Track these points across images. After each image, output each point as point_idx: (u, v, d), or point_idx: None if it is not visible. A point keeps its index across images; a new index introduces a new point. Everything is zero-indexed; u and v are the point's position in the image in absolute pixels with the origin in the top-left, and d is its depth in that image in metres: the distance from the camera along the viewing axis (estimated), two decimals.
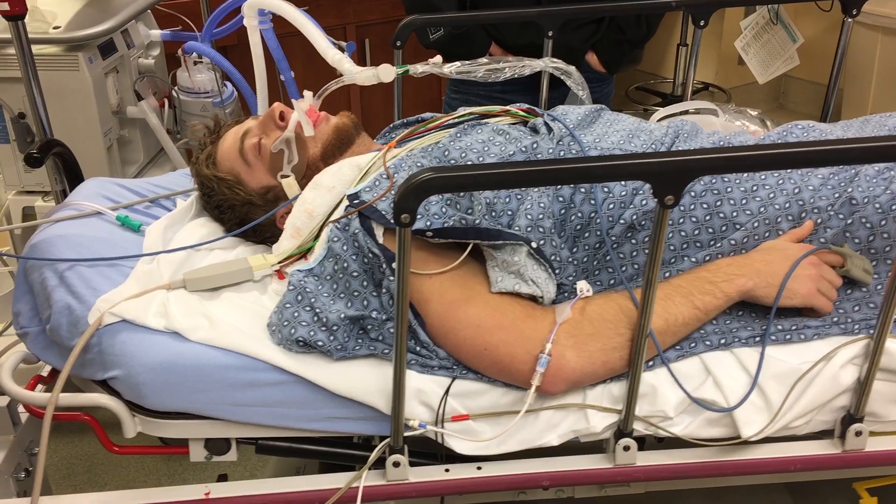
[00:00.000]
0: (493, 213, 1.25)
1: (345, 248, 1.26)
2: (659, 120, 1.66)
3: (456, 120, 1.49)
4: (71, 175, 1.84)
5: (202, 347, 1.22)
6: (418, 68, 1.50)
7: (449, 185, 1.05)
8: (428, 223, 1.21)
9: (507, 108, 1.48)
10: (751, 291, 1.22)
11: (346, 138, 1.48)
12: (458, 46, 2.16)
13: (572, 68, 1.53)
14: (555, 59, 1.52)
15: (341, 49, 1.73)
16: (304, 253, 1.37)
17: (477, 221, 1.22)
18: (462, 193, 1.27)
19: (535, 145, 1.33)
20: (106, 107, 2.28)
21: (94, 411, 1.28)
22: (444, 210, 1.23)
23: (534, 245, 1.22)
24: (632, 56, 2.36)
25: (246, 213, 1.48)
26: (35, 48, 2.13)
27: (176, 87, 2.54)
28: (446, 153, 1.34)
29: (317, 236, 1.36)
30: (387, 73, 1.44)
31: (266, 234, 1.49)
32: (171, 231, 1.47)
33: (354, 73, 1.51)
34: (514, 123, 1.46)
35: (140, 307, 1.26)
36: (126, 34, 2.43)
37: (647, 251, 1.24)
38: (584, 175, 1.07)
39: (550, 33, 1.84)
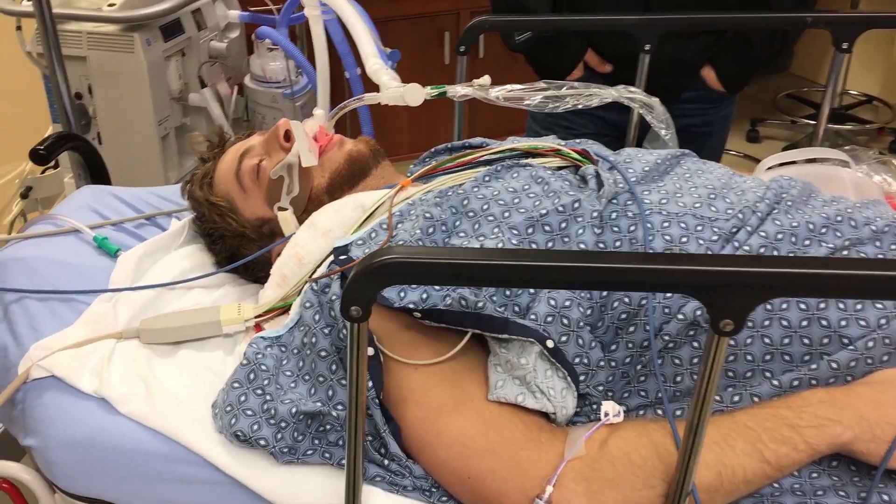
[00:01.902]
0: (507, 292, 0.95)
1: (317, 317, 1.00)
2: (769, 169, 1.29)
3: (493, 155, 1.19)
4: (94, 170, 1.67)
5: (130, 425, 0.99)
6: (457, 90, 1.21)
7: (417, 275, 0.77)
8: (423, 296, 0.93)
9: (558, 146, 1.16)
10: (848, 445, 0.87)
11: (359, 168, 1.21)
12: (547, 51, 1.84)
13: (654, 101, 1.20)
14: (632, 88, 1.20)
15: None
16: (287, 308, 1.12)
17: (481, 304, 0.93)
18: None
19: (576, 205, 1.01)
20: (163, 93, 2.11)
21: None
22: None
23: (550, 344, 0.92)
24: (760, 71, 1.97)
25: (237, 246, 1.25)
26: (90, 26, 1.98)
27: (249, 74, 2.35)
28: (465, 203, 1.05)
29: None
30: (414, 94, 1.16)
31: (259, 273, 1.25)
32: (150, 260, 1.25)
33: (385, 87, 1.23)
34: (562, 167, 1.14)
35: (76, 361, 1.05)
36: (199, 14, 2.24)
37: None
38: (602, 281, 0.76)
39: (648, 46, 1.50)
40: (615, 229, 1.00)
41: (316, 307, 1.00)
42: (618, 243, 0.99)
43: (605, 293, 0.97)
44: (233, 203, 1.23)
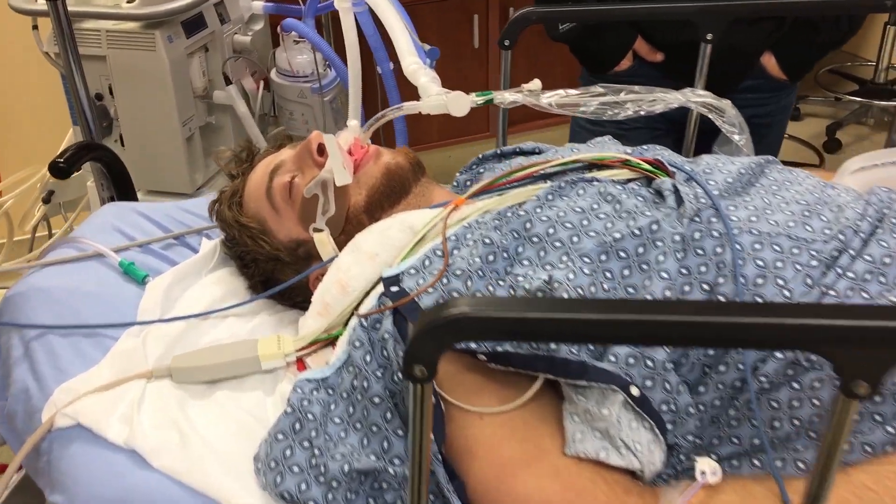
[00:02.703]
0: None
1: (367, 358, 0.90)
2: (854, 172, 1.17)
3: (556, 167, 1.08)
4: (118, 181, 1.58)
5: (164, 481, 0.90)
6: (506, 97, 1.09)
7: (494, 332, 0.66)
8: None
9: (627, 156, 1.05)
10: None
11: (399, 185, 1.10)
12: (594, 40, 1.72)
13: (726, 104, 1.08)
14: (700, 91, 1.08)
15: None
16: (333, 339, 1.02)
17: (554, 345, 0.83)
18: (540, 296, 0.88)
19: (654, 228, 0.90)
20: (187, 92, 2.01)
21: None
22: None
23: (635, 392, 0.81)
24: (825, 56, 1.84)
25: (272, 270, 1.15)
26: (110, 24, 1.89)
27: (275, 68, 2.24)
28: (528, 226, 0.95)
29: (350, 321, 1.01)
30: (459, 103, 1.05)
31: (297, 298, 1.15)
32: (180, 288, 1.15)
33: (425, 92, 1.12)
34: (631, 180, 1.03)
35: (104, 407, 0.96)
36: (221, 6, 2.14)
37: (818, 420, 0.81)
38: (712, 337, 0.65)
39: (710, 36, 1.38)
40: (699, 252, 0.89)
41: (366, 347, 0.90)
42: (702, 268, 0.88)
43: None
44: (264, 224, 1.13)
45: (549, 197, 0.99)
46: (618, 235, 0.90)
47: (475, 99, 1.07)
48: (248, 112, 2.11)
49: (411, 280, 0.93)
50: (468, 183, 1.28)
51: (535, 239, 0.94)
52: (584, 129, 1.83)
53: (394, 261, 1.01)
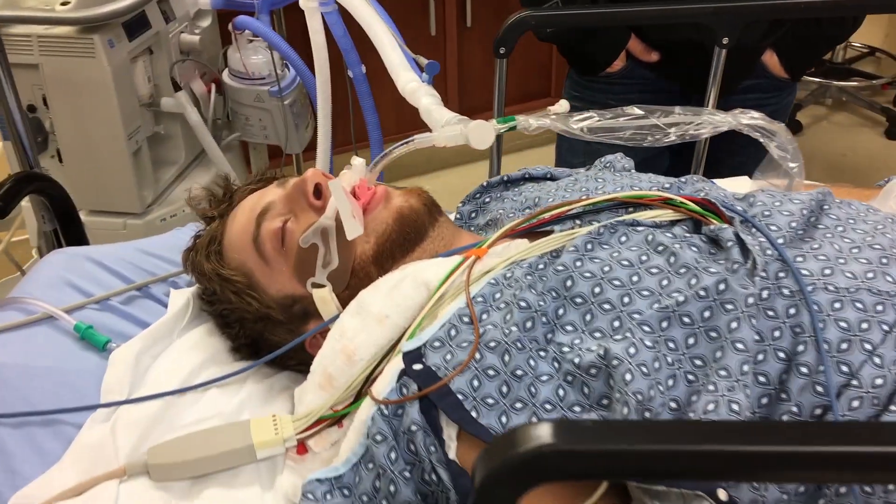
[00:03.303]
0: (650, 411, 0.72)
1: (392, 455, 0.75)
2: None
3: (585, 206, 0.94)
4: (61, 212, 1.39)
5: None
6: (531, 123, 0.95)
7: (588, 470, 0.52)
8: None
9: (670, 195, 0.92)
10: None
11: (414, 231, 0.95)
12: (586, 40, 1.58)
13: (779, 127, 0.95)
14: (753, 114, 0.95)
15: (420, 69, 1.20)
16: (339, 418, 0.87)
17: None
18: (594, 373, 0.75)
19: (721, 288, 0.77)
20: (132, 101, 1.81)
21: None
22: (562, 396, 0.73)
23: (723, 496, 0.68)
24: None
25: (261, 331, 0.99)
26: (42, 29, 1.68)
27: (227, 70, 2.05)
28: (569, 285, 0.81)
29: (359, 395, 0.86)
30: (482, 135, 0.90)
31: (290, 361, 1.00)
32: (150, 356, 0.99)
33: (434, 124, 0.97)
34: (677, 221, 0.90)
35: None
36: (165, 3, 1.94)
37: None
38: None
39: (726, 40, 1.25)
40: (770, 314, 0.77)
41: (389, 441, 0.76)
42: (776, 333, 0.76)
43: (766, 399, 0.74)
44: (251, 277, 0.97)
45: (589, 247, 0.86)
46: (681, 298, 0.77)
47: (497, 126, 0.92)
48: (200, 120, 1.92)
49: (437, 355, 0.78)
50: (473, 215, 1.14)
51: (578, 300, 0.81)
52: (573, 148, 1.69)
53: (407, 323, 0.87)
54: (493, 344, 0.78)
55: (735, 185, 0.96)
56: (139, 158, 1.86)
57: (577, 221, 0.93)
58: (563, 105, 0.95)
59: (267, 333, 0.99)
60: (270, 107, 2.00)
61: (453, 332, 0.80)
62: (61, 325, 1.01)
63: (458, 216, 1.14)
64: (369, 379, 0.86)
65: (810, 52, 1.60)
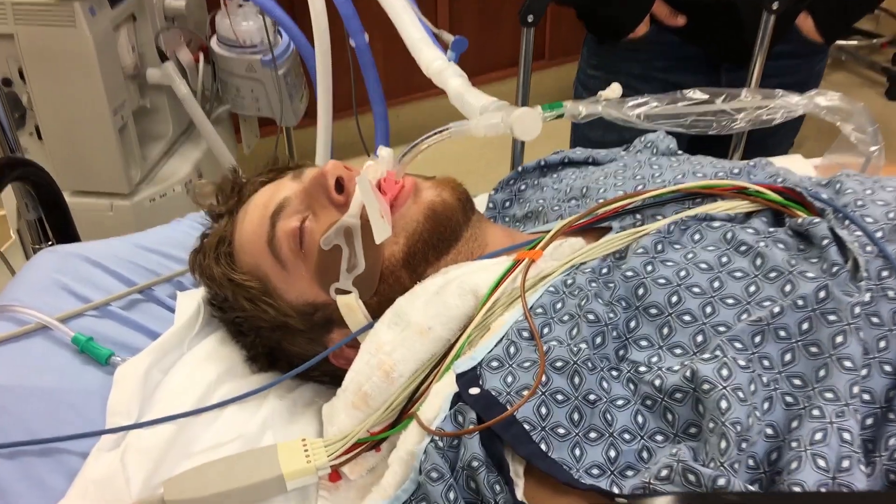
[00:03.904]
0: (747, 441, 0.63)
1: (451, 495, 0.66)
2: None
3: (646, 199, 0.84)
4: (46, 199, 1.28)
5: None
6: (580, 109, 0.85)
7: None
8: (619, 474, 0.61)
9: (744, 183, 0.82)
10: None
11: (448, 229, 0.85)
12: (607, 6, 1.47)
13: (858, 107, 0.85)
14: (829, 93, 0.85)
15: (445, 47, 1.09)
16: (377, 442, 0.78)
17: (723, 479, 0.60)
18: (679, 398, 0.66)
19: (822, 295, 0.68)
20: (116, 73, 1.68)
21: None
22: (641, 423, 0.65)
23: None
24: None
25: (278, 340, 0.89)
26: None
27: (215, 37, 1.92)
28: (641, 293, 0.72)
29: (401, 416, 0.77)
30: (528, 124, 0.79)
31: (314, 372, 0.90)
32: (159, 371, 0.89)
33: (469, 110, 0.87)
34: (754, 213, 0.81)
35: None
36: None
37: None
38: None
39: (776, 5, 1.15)
40: (874, 320, 0.68)
41: (447, 479, 0.67)
42: (882, 343, 0.67)
43: (873, 423, 0.65)
44: (266, 282, 0.87)
45: (659, 248, 0.76)
46: (776, 309, 0.68)
47: (544, 114, 0.82)
48: (189, 93, 1.80)
49: (496, 377, 0.69)
50: (507, 204, 1.04)
51: (652, 311, 0.71)
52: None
53: (453, 336, 0.77)
54: (559, 364, 0.69)
55: (790, 166, 0.86)
56: (125, 135, 1.73)
57: (638, 216, 0.84)
58: (615, 89, 0.85)
59: (285, 343, 0.89)
60: (263, 77, 1.87)
61: (512, 350, 0.71)
62: (57, 337, 0.90)
63: (490, 205, 1.04)
64: (412, 399, 0.77)
65: (847, 16, 1.50)
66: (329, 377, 0.91)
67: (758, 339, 0.67)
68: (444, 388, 0.72)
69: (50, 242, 1.33)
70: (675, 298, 0.71)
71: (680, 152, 1.00)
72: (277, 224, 0.85)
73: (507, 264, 0.79)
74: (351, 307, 0.84)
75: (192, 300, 0.96)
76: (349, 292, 0.84)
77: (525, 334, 0.72)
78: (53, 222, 1.31)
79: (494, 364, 0.70)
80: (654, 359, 0.69)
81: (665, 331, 0.71)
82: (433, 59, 0.97)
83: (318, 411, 0.87)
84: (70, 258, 1.01)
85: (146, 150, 1.84)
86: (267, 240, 0.86)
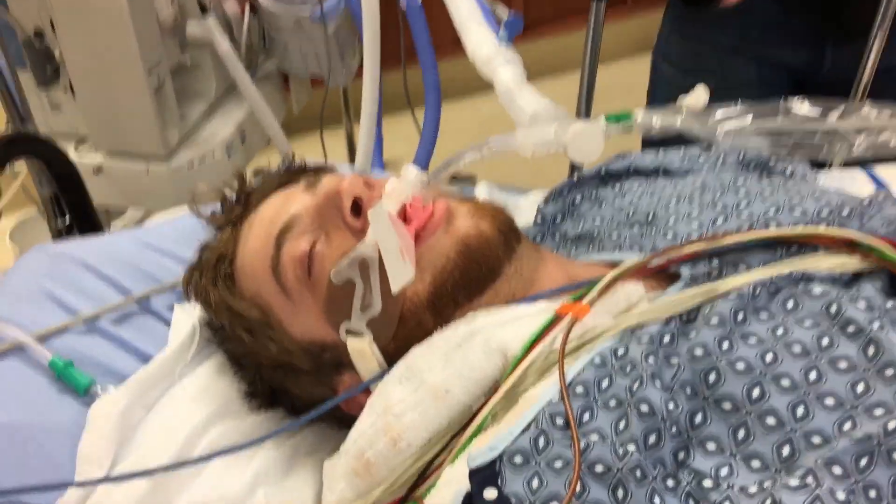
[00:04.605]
0: None
1: None
2: None
3: (715, 246, 0.68)
4: (60, 174, 1.17)
5: None
6: (653, 121, 0.67)
7: None
8: None
9: (855, 234, 0.65)
10: None
11: (485, 267, 0.70)
12: None
13: None
14: None
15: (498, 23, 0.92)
16: None
17: None
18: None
19: None
20: (151, 27, 1.55)
21: None
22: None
23: None
24: None
25: (280, 381, 0.77)
26: None
27: None
28: (712, 379, 0.57)
29: (409, 493, 0.64)
30: (585, 144, 0.63)
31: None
32: (142, 407, 0.77)
33: (518, 114, 0.71)
34: (865, 273, 0.64)
35: None
36: None
37: None
38: None
39: None
40: None
41: None
42: None
43: None
44: (269, 312, 0.74)
45: (740, 317, 0.60)
46: (892, 425, 0.52)
47: (607, 128, 0.66)
48: (230, 51, 1.66)
49: (518, 479, 0.55)
50: (558, 218, 0.88)
51: (725, 405, 0.56)
52: (669, 85, 1.40)
53: (474, 402, 0.64)
54: (599, 469, 0.54)
55: None
56: (162, 95, 1.61)
57: (715, 263, 0.67)
58: (699, 95, 0.68)
59: (288, 384, 0.76)
60: (312, 33, 1.72)
61: (542, 442, 0.56)
62: (33, 358, 0.79)
63: (538, 220, 0.89)
64: (424, 474, 0.63)
65: None
66: (337, 421, 0.78)
67: (864, 461, 0.51)
68: (456, 478, 0.58)
69: (66, 217, 1.24)
70: (756, 392, 0.56)
71: (774, 163, 0.82)
72: (284, 246, 0.72)
73: (545, 318, 0.65)
74: (363, 353, 0.70)
75: (188, 317, 0.84)
76: (363, 335, 0.70)
77: (559, 421, 0.57)
78: (69, 199, 1.21)
79: (518, 460, 0.56)
80: (724, 471, 0.54)
81: (741, 433, 0.55)
82: (481, 43, 0.81)
83: (320, 462, 0.74)
84: (61, 260, 0.90)
85: (185, 110, 1.72)
86: (271, 264, 0.72)
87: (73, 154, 1.67)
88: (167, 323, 0.87)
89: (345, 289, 0.69)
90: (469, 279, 0.69)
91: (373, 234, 0.67)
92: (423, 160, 1.74)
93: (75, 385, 0.77)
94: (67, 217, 1.21)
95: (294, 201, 0.74)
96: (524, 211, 1.03)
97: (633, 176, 0.86)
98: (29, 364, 0.79)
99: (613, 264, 0.76)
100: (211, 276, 0.77)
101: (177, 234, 0.98)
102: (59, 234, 1.23)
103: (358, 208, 0.70)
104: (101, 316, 0.85)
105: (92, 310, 0.85)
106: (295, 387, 0.76)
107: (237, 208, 0.80)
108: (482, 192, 1.05)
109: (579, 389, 0.59)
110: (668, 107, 0.68)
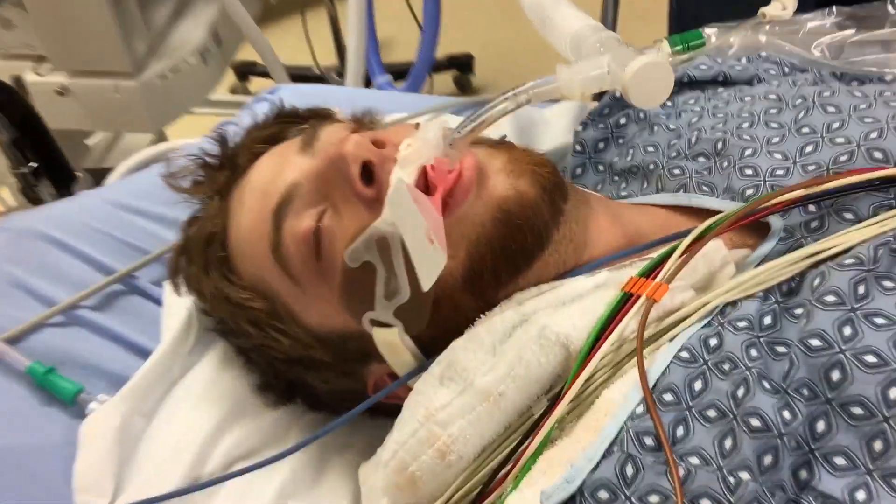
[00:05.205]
0: None
1: None
2: None
3: (819, 191, 0.55)
4: (22, 119, 1.03)
5: None
6: (731, 42, 0.53)
7: None
8: None
9: None
10: None
11: (528, 237, 0.58)
12: None
13: None
14: None
15: None
16: None
17: None
18: None
19: None
20: None
21: None
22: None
23: None
24: None
25: (299, 375, 0.66)
26: None
27: None
28: (836, 377, 0.46)
29: None
30: (651, 84, 0.49)
31: (346, 403, 0.67)
32: (142, 414, 0.66)
33: (556, 36, 0.57)
34: None
35: None
36: None
37: None
38: None
39: None
40: None
41: None
42: None
43: None
44: (276, 300, 0.62)
45: (861, 290, 0.49)
46: None
47: (673, 55, 0.52)
48: None
49: None
50: (601, 145, 0.75)
51: (855, 410, 0.45)
52: None
53: (531, 402, 0.53)
54: (704, 503, 0.44)
55: None
56: (121, 2, 1.43)
57: (812, 209, 0.55)
58: (788, 1, 0.53)
59: (309, 378, 0.65)
60: None
61: (630, 470, 0.46)
62: (7, 364, 0.68)
63: (577, 147, 0.76)
64: (482, 494, 0.54)
65: None
66: (368, 411, 0.68)
67: None
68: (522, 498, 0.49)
69: (31, 165, 1.10)
70: (894, 393, 0.45)
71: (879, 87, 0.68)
72: (284, 224, 0.59)
73: (611, 298, 0.53)
74: (394, 347, 0.59)
75: (181, 300, 0.72)
76: (393, 326, 0.59)
77: (649, 442, 0.47)
78: (31, 142, 1.07)
79: (604, 496, 0.46)
80: (861, 495, 0.44)
81: (878, 446, 0.45)
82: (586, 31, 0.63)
83: (352, 463, 0.65)
84: (25, 238, 0.77)
85: (149, 15, 1.53)
86: (271, 245, 0.60)
87: (31, 76, 1.51)
88: (156, 301, 0.76)
89: (363, 272, 0.57)
90: (511, 252, 0.57)
91: (391, 215, 0.54)
92: (428, 51, 1.57)
93: (61, 394, 0.67)
94: (32, 164, 1.08)
95: (289, 165, 0.61)
96: (553, 127, 0.90)
97: (686, 89, 0.72)
98: (2, 372, 0.68)
99: (675, 208, 0.64)
100: (201, 261, 0.65)
101: (151, 189, 0.84)
102: (25, 182, 1.10)
103: (369, 174, 0.57)
104: (80, 303, 0.73)
105: (69, 296, 0.73)
106: (316, 380, 0.65)
107: (222, 173, 0.67)
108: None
109: (668, 397, 0.48)
110: (745, 23, 0.54)
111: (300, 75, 2.15)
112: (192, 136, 0.96)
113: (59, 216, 0.80)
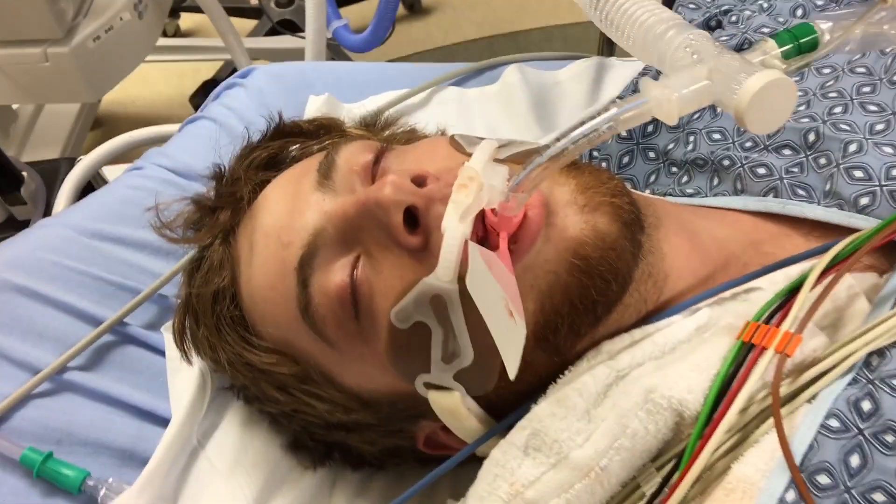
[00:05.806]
0: None
1: None
2: None
3: None
4: None
5: None
6: (835, 35, 0.44)
7: None
8: None
9: None
10: None
11: (611, 282, 0.48)
12: None
13: None
14: None
15: None
16: None
17: None
18: None
19: None
20: None
21: None
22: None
23: None
24: None
25: (340, 440, 0.58)
26: None
27: None
28: None
29: None
30: (769, 106, 0.40)
31: (393, 459, 0.60)
32: (165, 500, 0.57)
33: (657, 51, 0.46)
34: None
35: None
36: None
37: None
38: None
39: None
40: None
41: None
42: None
43: None
44: (307, 363, 0.53)
45: None
46: None
47: (784, 64, 0.43)
48: None
49: None
50: (649, 127, 0.66)
51: None
52: None
53: (641, 473, 0.46)
54: None
55: None
56: None
57: None
58: None
59: (351, 441, 0.57)
60: None
61: None
62: (3, 456, 0.58)
63: (622, 132, 0.66)
64: None
65: None
66: (417, 461, 0.60)
67: None
68: None
69: None
70: None
71: None
72: (311, 279, 0.50)
73: (725, 349, 0.45)
74: (455, 413, 0.51)
75: (191, 368, 0.62)
76: (453, 390, 0.50)
77: None
78: None
79: None
80: None
81: None
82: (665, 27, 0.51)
83: None
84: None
85: None
86: (298, 306, 0.51)
87: None
88: (152, 348, 0.66)
89: (414, 333, 0.48)
90: (590, 301, 0.48)
91: (452, 254, 0.44)
92: None
93: (64, 484, 0.58)
94: None
95: (307, 206, 0.51)
96: (568, 92, 0.80)
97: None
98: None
99: (762, 214, 0.55)
100: (212, 322, 0.55)
101: (120, 205, 0.73)
102: None
103: (413, 219, 0.47)
104: (67, 365, 0.63)
105: (53, 358, 0.63)
106: (358, 441, 0.57)
107: (222, 213, 0.56)
108: (513, 77, 0.80)
109: (823, 480, 0.41)
110: (859, 10, 0.45)
111: (235, 7, 1.97)
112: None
113: (20, 257, 0.68)
